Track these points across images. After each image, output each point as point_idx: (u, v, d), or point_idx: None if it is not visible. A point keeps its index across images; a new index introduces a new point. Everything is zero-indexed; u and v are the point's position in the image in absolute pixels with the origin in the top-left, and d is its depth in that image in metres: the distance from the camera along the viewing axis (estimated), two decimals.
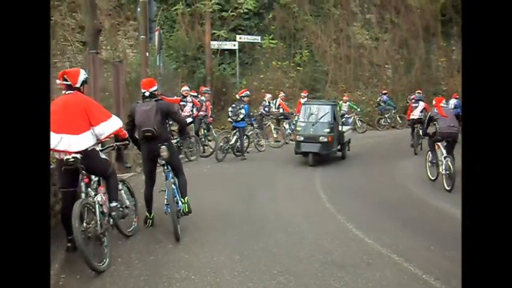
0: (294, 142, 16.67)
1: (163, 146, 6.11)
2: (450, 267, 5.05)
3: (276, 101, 17.53)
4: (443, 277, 4.78)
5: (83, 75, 5.44)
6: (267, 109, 17.26)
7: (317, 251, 5.60)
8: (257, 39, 22.17)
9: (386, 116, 22.03)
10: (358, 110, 21.05)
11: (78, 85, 5.36)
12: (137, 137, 6.39)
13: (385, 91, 22.65)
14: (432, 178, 9.95)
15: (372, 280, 4.75)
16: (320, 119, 12.55)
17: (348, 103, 20.59)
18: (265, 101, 17.44)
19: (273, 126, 17.00)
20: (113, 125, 5.35)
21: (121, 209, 5.73)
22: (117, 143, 5.91)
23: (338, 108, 20.28)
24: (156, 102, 6.26)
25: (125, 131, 5.81)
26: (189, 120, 13.12)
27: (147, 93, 6.32)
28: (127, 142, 5.89)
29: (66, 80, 5.30)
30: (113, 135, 5.68)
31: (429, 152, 10.15)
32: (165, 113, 6.28)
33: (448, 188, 8.90)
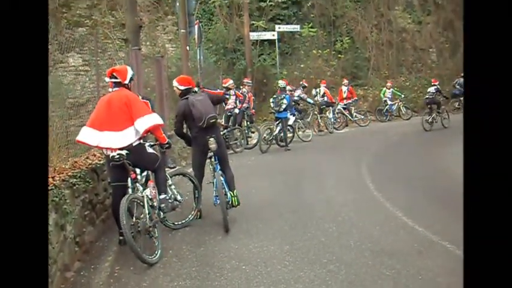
0: (338, 131, 16.62)
1: (212, 138, 6.17)
2: None
3: (319, 90, 17.37)
4: None
5: (130, 72, 5.56)
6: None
7: (366, 240, 5.54)
8: (296, 28, 22.00)
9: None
10: (402, 96, 20.64)
11: (126, 82, 5.50)
12: (188, 132, 6.50)
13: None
14: None
15: (424, 268, 4.65)
16: None
17: (391, 89, 20.23)
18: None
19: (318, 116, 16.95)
20: (151, 120, 5.38)
21: (170, 201, 5.82)
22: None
23: (382, 95, 20.07)
24: (203, 92, 6.44)
25: (164, 136, 5.78)
26: (236, 111, 13.24)
27: (195, 89, 6.50)
28: (167, 146, 5.88)
29: (115, 78, 5.42)
30: (154, 139, 5.77)
31: None
32: (213, 101, 6.46)
33: None
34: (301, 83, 17.16)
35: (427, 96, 16.96)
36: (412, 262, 4.82)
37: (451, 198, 7.37)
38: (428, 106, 16.75)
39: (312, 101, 16.72)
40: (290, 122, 13.95)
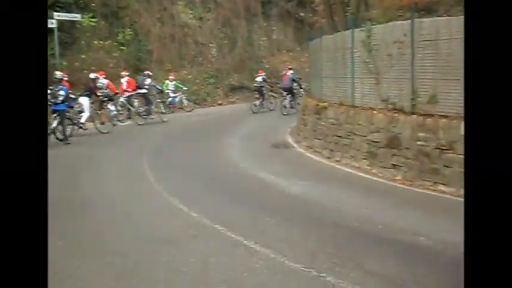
0: (122, 124, 16.45)
1: None
2: (272, 232, 5.53)
3: (103, 82, 16.82)
4: (262, 241, 5.17)
5: None
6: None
7: (143, 229, 5.73)
8: (77, 17, 20.98)
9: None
10: (185, 89, 21.29)
11: None
12: None
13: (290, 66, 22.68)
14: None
15: (196, 251, 4.99)
16: None
17: (174, 82, 20.71)
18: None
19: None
20: None
21: None
22: None
23: (164, 87, 20.42)
24: None
25: None
26: None
27: None
28: None
29: None
30: None
31: None
32: None
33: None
34: (147, 72, 18.32)
35: (255, 85, 19.73)
36: (186, 246, 5.15)
37: (225, 184, 8.03)
38: (256, 93, 19.67)
39: (160, 88, 18.62)
40: (83, 120, 13.87)
